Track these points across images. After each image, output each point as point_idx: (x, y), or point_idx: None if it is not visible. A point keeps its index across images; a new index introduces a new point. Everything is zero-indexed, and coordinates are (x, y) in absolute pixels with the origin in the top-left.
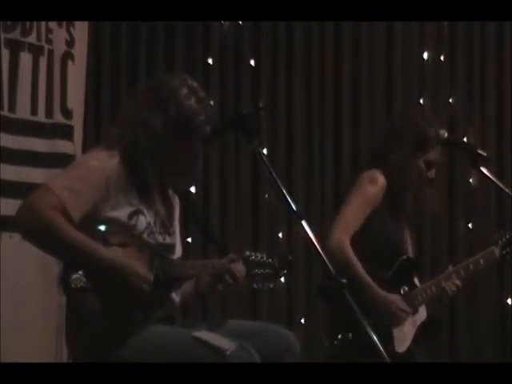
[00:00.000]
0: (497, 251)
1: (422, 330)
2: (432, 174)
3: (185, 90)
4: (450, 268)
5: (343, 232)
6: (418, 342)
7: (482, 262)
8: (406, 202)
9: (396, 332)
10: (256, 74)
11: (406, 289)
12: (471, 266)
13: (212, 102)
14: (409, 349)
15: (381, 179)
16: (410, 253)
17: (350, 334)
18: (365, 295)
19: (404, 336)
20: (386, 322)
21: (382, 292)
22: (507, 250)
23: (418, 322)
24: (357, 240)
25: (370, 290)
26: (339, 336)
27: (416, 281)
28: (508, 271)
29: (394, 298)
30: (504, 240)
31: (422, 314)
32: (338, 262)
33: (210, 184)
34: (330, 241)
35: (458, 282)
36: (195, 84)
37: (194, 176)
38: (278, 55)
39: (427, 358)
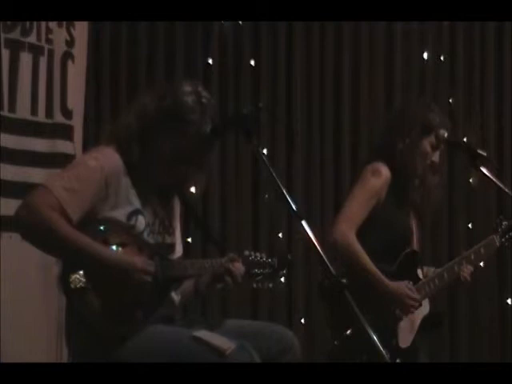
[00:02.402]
0: (497, 239)
1: (425, 324)
2: (436, 157)
3: (188, 89)
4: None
5: (348, 225)
6: (421, 336)
7: (482, 251)
8: (413, 188)
9: (400, 327)
10: (256, 74)
11: (410, 282)
12: (473, 256)
13: (216, 111)
14: (412, 344)
15: (385, 171)
16: (415, 244)
17: (350, 334)
18: (373, 287)
19: (408, 331)
20: (397, 313)
21: (390, 282)
22: (506, 237)
23: (421, 316)
24: (362, 233)
25: (379, 281)
26: (339, 336)
27: (420, 274)
28: (508, 271)
29: (404, 287)
30: (503, 227)
31: (425, 307)
32: (343, 255)
33: (210, 184)
34: (335, 234)
35: (470, 267)
36: (204, 91)
37: (195, 177)
38: (278, 55)
39: (428, 355)
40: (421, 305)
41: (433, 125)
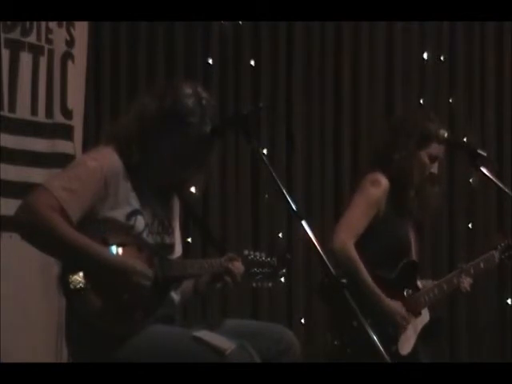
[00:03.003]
0: (496, 255)
1: (425, 332)
2: (435, 168)
3: (188, 90)
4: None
5: (347, 235)
6: (422, 344)
7: (482, 265)
8: (410, 199)
9: (400, 335)
10: (256, 74)
11: (410, 291)
12: (472, 270)
13: (216, 112)
14: (412, 351)
15: (384, 181)
16: (413, 253)
17: (351, 335)
18: (368, 300)
19: (408, 338)
20: (388, 328)
21: (385, 299)
22: (506, 254)
23: (421, 325)
24: (361, 242)
25: (374, 296)
26: (339, 336)
27: (419, 283)
28: (508, 272)
29: (397, 307)
30: (504, 245)
31: (425, 316)
32: (342, 266)
33: (210, 184)
34: (335, 244)
35: (469, 280)
36: (204, 93)
37: (195, 177)
38: (278, 55)
39: (428, 358)
40: (420, 314)
41: (431, 136)
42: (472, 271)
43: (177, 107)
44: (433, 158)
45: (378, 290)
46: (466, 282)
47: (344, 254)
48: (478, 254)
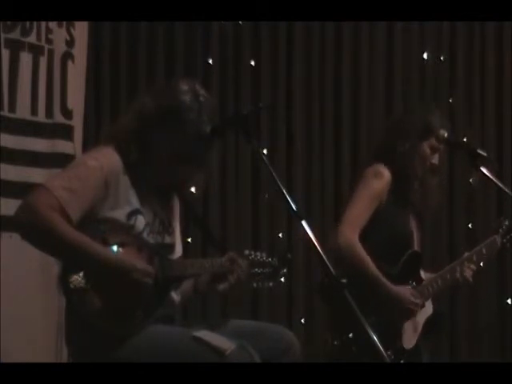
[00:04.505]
0: (498, 239)
1: (428, 325)
2: (435, 159)
3: (185, 87)
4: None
5: (351, 229)
6: (425, 337)
7: (484, 251)
8: (412, 191)
9: (404, 328)
10: (256, 74)
11: (414, 283)
12: (475, 257)
13: (215, 110)
14: (416, 345)
15: (386, 173)
16: (416, 245)
17: (351, 335)
18: (376, 291)
19: (411, 332)
20: (399, 317)
21: (393, 287)
22: (507, 237)
23: (425, 317)
24: (364, 235)
25: (382, 286)
26: (339, 336)
27: (422, 275)
28: (508, 271)
29: (406, 292)
30: (504, 228)
31: (429, 308)
32: (347, 260)
33: (210, 184)
34: (339, 239)
35: (472, 267)
36: (202, 90)
37: (194, 176)
38: (278, 55)
39: (429, 355)
40: (424, 306)
41: (433, 128)
42: (474, 258)
43: (174, 104)
44: (434, 149)
45: (385, 281)
46: (469, 271)
47: (350, 250)
48: (480, 241)
